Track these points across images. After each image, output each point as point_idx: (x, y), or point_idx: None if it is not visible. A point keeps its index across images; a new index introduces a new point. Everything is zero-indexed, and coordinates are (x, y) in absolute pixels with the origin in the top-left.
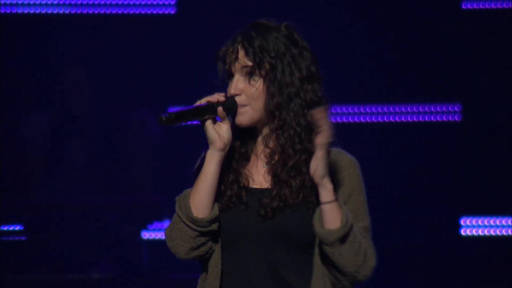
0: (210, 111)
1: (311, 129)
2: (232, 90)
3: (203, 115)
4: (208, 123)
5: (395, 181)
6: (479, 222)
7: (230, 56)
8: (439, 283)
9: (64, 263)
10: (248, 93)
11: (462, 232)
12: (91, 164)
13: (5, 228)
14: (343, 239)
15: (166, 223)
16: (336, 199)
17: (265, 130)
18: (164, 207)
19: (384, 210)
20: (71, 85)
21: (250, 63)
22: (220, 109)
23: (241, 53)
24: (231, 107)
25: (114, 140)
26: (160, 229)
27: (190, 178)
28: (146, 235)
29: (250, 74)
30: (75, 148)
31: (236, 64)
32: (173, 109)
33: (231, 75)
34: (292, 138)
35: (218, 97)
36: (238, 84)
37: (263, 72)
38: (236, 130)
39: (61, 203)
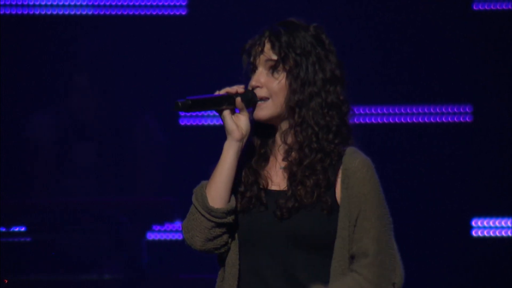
0: (228, 101)
1: (329, 129)
2: (253, 82)
3: (220, 105)
4: (226, 113)
5: (405, 182)
6: (490, 223)
7: (256, 49)
8: (450, 284)
9: (71, 264)
10: (270, 86)
11: (474, 233)
12: (97, 165)
13: (16, 229)
14: None
15: (177, 224)
16: None
17: (284, 126)
18: (171, 207)
19: (394, 211)
20: (79, 86)
21: (275, 57)
22: (238, 99)
23: (267, 47)
24: (250, 99)
25: (120, 141)
26: (170, 230)
27: (198, 179)
28: (151, 236)
29: (273, 68)
30: (82, 149)
31: (261, 56)
32: (191, 96)
33: (254, 68)
34: (310, 137)
35: (237, 88)
36: (260, 77)
37: (287, 67)
38: (256, 127)
39: (68, 204)
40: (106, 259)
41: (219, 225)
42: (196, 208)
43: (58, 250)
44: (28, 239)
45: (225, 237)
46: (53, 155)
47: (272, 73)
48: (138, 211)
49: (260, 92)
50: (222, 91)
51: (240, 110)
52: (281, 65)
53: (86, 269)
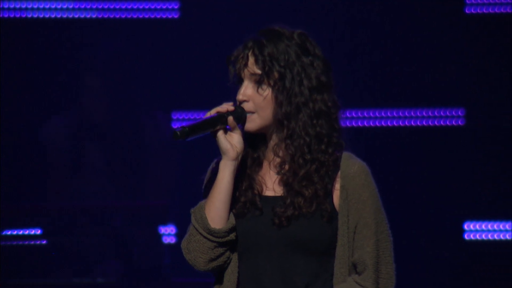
0: (220, 121)
1: (320, 139)
2: (240, 96)
3: (214, 126)
4: (220, 134)
5: (398, 186)
6: (483, 226)
7: (240, 62)
8: (442, 287)
9: (73, 266)
10: (256, 101)
11: (466, 237)
12: (104, 169)
13: (20, 232)
14: None
15: (169, 227)
16: None
17: (275, 139)
18: (173, 211)
19: (387, 214)
20: (83, 89)
21: (259, 71)
22: (230, 118)
23: (251, 60)
24: (240, 116)
25: (128, 144)
26: (169, 234)
27: (194, 182)
28: (157, 239)
29: (258, 82)
30: (91, 153)
31: (246, 70)
32: (185, 123)
33: (240, 80)
34: (302, 148)
35: (227, 106)
36: (247, 90)
37: (271, 82)
38: (247, 135)
39: (72, 207)
40: (108, 262)
41: (221, 244)
42: (197, 230)
43: (57, 253)
44: (26, 243)
45: (227, 254)
46: (64, 160)
47: (258, 88)
48: (142, 214)
49: (247, 106)
50: (213, 112)
51: (232, 128)
52: (265, 79)
53: (82, 273)
